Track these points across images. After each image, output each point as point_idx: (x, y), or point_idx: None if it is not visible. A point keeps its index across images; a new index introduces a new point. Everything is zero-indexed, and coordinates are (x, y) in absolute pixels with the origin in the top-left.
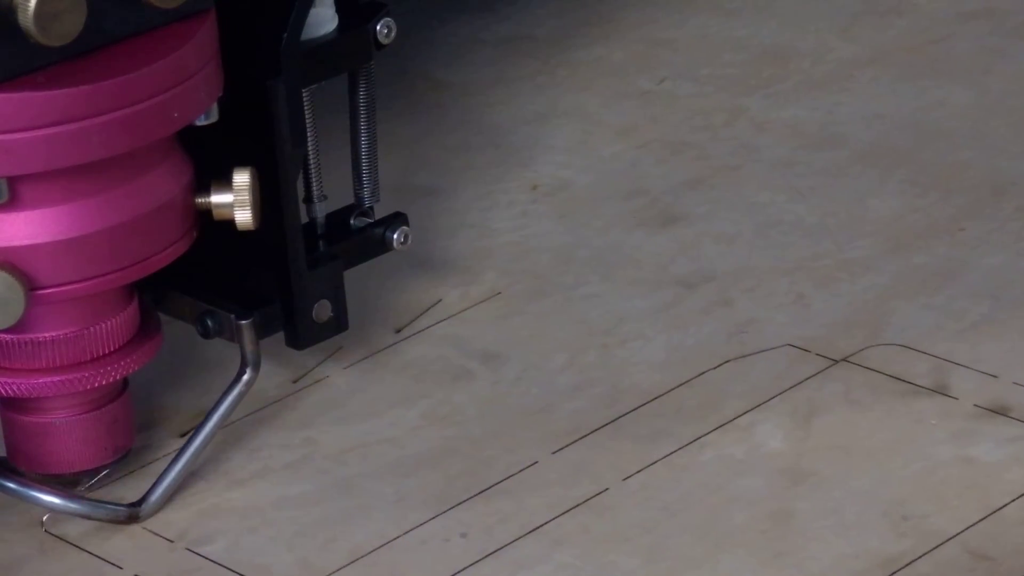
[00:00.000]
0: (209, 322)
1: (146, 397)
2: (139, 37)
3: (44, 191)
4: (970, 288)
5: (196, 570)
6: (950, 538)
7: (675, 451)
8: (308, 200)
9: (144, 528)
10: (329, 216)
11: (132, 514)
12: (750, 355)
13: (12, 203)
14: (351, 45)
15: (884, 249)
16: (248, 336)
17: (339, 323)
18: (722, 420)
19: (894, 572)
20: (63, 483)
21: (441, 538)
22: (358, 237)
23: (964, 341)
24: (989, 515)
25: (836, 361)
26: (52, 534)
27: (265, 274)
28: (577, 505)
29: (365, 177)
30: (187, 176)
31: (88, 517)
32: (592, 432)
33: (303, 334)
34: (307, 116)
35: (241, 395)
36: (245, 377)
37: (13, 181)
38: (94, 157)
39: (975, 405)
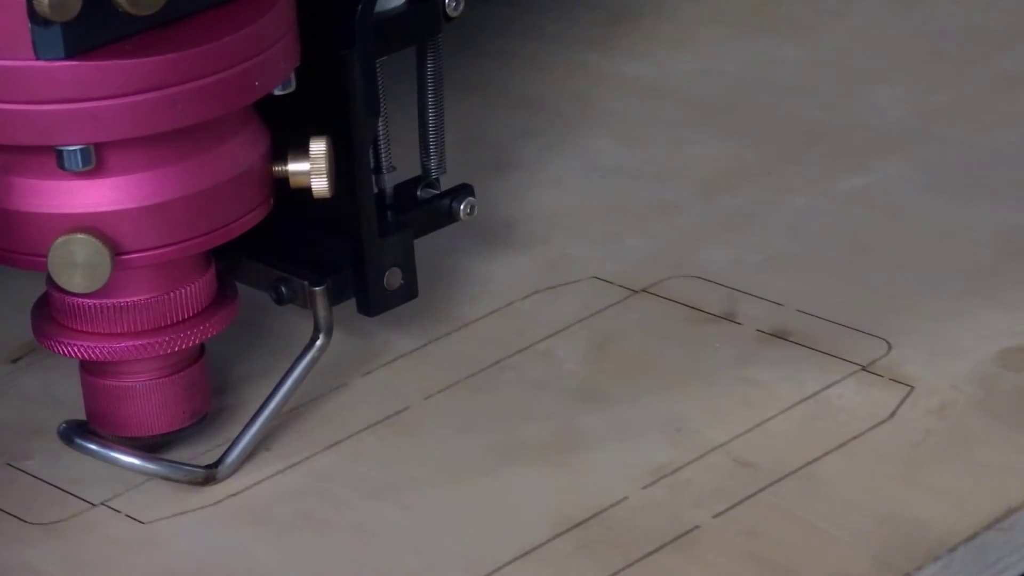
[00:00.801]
0: (283, 289)
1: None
2: (222, 7)
3: (129, 158)
4: (770, 227)
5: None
6: (717, 447)
7: (476, 373)
8: (377, 171)
9: None
10: (396, 187)
11: (209, 475)
12: (557, 287)
13: (98, 170)
14: (421, 17)
15: (696, 192)
16: (321, 303)
17: (409, 291)
18: (524, 345)
19: (662, 477)
20: (141, 445)
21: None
22: (425, 208)
23: (758, 274)
24: (755, 427)
25: (636, 291)
26: None
27: (337, 242)
28: (378, 422)
29: (432, 148)
30: (265, 145)
31: (167, 478)
32: (400, 357)
33: (375, 301)
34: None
35: (314, 360)
36: (318, 343)
37: (99, 148)
38: (178, 124)
39: (758, 330)
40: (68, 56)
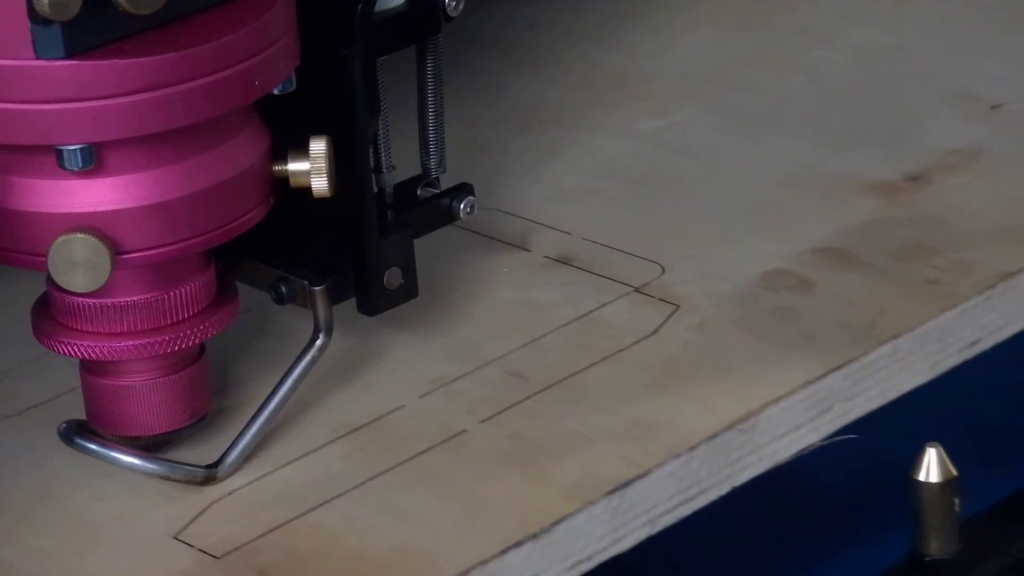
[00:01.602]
0: (283, 288)
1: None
2: (222, 7)
3: (129, 157)
4: (569, 164)
5: None
6: (493, 360)
7: None
8: (377, 170)
9: None
10: (397, 186)
11: (209, 475)
12: None
13: (98, 169)
14: (421, 17)
15: (511, 132)
16: (321, 302)
17: (409, 290)
18: None
19: (438, 387)
20: (141, 445)
21: None
22: (425, 207)
23: (552, 206)
24: (530, 343)
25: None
26: None
27: (337, 242)
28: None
29: (432, 148)
30: (265, 144)
31: (167, 478)
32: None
33: (375, 301)
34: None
35: (314, 360)
36: (318, 343)
37: (99, 147)
38: (178, 124)
39: (545, 257)
40: (68, 55)
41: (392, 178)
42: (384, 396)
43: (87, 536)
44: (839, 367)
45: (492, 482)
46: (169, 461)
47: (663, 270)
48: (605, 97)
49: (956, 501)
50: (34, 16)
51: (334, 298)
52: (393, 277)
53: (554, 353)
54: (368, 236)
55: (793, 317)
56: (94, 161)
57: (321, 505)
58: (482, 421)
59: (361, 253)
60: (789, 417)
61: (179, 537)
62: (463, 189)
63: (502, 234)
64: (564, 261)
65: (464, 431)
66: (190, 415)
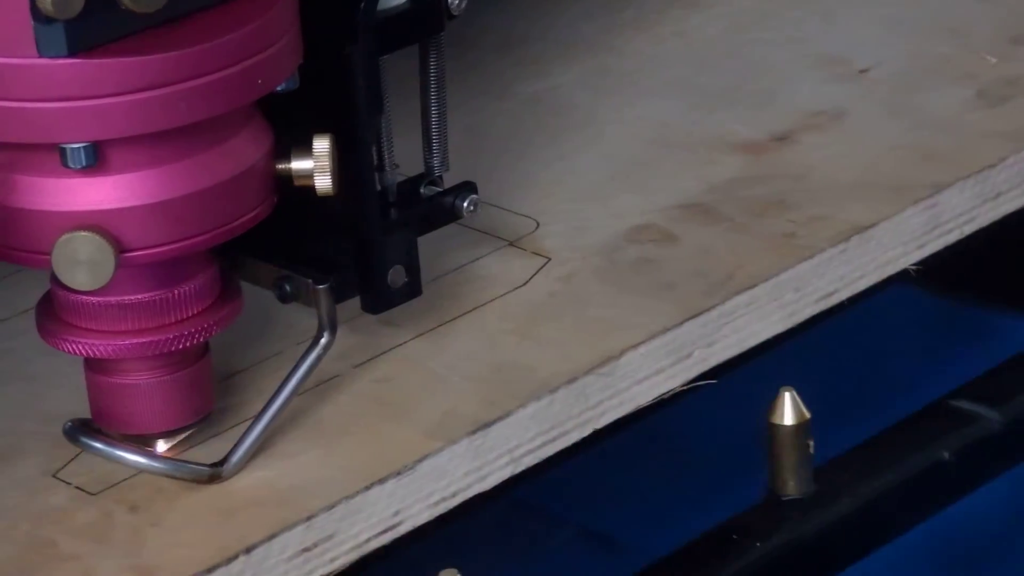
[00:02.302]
0: (287, 287)
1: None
2: (225, 5)
3: (132, 155)
4: (454, 125)
5: None
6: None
7: None
8: (380, 168)
9: None
10: (400, 185)
11: (214, 474)
12: None
13: (101, 167)
14: (424, 15)
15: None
16: (325, 301)
17: (413, 289)
18: None
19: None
20: (146, 443)
21: None
22: (428, 205)
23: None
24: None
25: None
26: None
27: (340, 240)
28: None
29: (435, 146)
30: (268, 142)
31: (172, 476)
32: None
33: (378, 299)
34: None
35: (318, 358)
36: (323, 341)
37: (102, 145)
38: (181, 122)
39: None
40: (71, 53)
41: (395, 176)
42: (262, 344)
43: None
44: (697, 315)
45: (361, 423)
46: (174, 459)
47: (538, 225)
48: (485, 59)
49: (810, 443)
50: (37, 14)
51: (338, 296)
52: (396, 275)
53: (426, 303)
54: (371, 234)
55: (655, 269)
56: (97, 159)
57: (194, 446)
58: (355, 367)
59: (364, 251)
60: (649, 363)
61: (57, 475)
62: (466, 187)
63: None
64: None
65: (337, 376)
66: (194, 413)
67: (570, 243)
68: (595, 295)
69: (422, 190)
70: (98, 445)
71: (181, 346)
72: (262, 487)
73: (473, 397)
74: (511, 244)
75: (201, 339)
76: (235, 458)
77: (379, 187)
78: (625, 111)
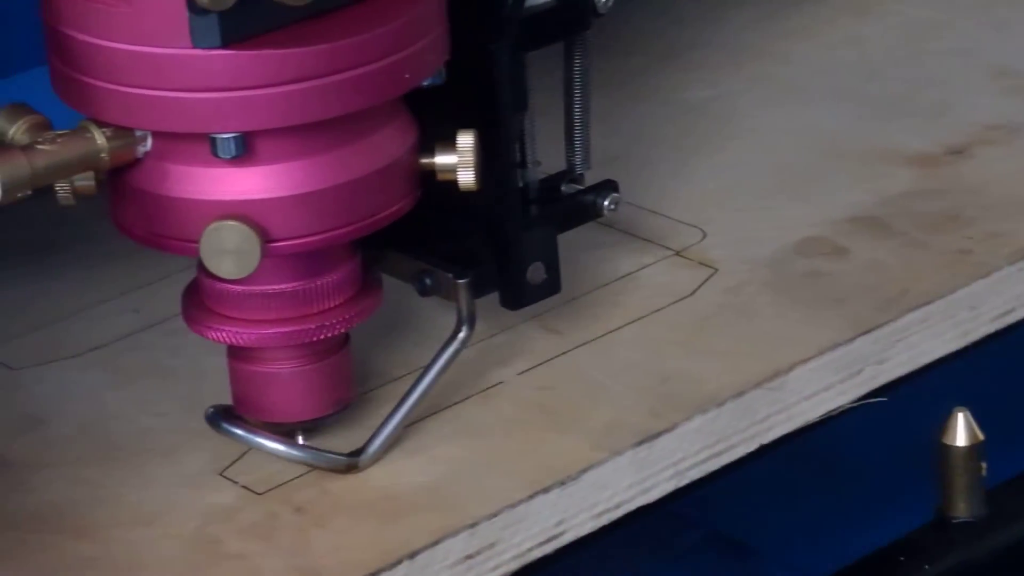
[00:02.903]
0: (427, 281)
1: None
2: None
3: (279, 147)
4: (618, 131)
5: None
6: (532, 317)
7: None
8: (522, 165)
9: None
10: (541, 182)
11: (351, 463)
12: None
13: (248, 158)
14: (570, 13)
15: (557, 99)
16: (465, 295)
17: (552, 286)
18: None
19: (478, 342)
20: (285, 431)
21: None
22: (569, 203)
23: (599, 171)
24: (569, 301)
25: None
26: None
27: (481, 236)
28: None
29: (577, 144)
30: (413, 137)
31: (310, 465)
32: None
33: (517, 295)
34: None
35: (456, 352)
36: (461, 335)
37: (250, 136)
38: (328, 115)
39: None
40: (224, 45)
41: (537, 173)
42: (425, 349)
43: (132, 468)
44: (869, 331)
45: (524, 431)
46: (312, 448)
47: (704, 235)
48: (652, 66)
49: (982, 465)
50: (192, 6)
51: (477, 291)
52: (536, 272)
53: (590, 311)
54: (511, 230)
55: (826, 282)
56: (246, 150)
57: (333, 436)
58: (519, 374)
59: (505, 247)
60: (818, 378)
61: (224, 474)
62: (607, 186)
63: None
64: (606, 224)
65: (501, 383)
66: (334, 403)
67: (737, 254)
68: (763, 308)
69: (563, 188)
70: (238, 432)
71: (322, 336)
72: (426, 493)
73: (638, 408)
74: (677, 254)
75: (342, 330)
76: (372, 449)
77: (520, 183)
78: (793, 120)
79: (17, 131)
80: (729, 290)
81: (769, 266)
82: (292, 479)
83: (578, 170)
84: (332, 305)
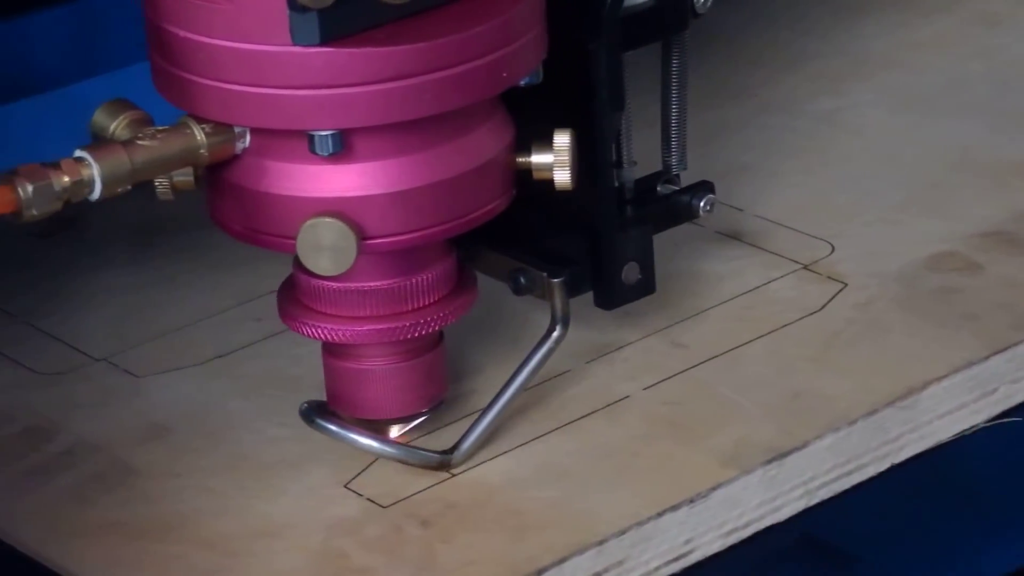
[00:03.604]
0: (521, 279)
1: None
2: None
3: (377, 144)
4: (743, 141)
5: None
6: (658, 331)
7: None
8: (618, 165)
9: None
10: (637, 182)
11: (444, 461)
12: None
13: (346, 155)
14: (669, 13)
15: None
16: (559, 295)
17: (647, 286)
18: None
19: (604, 355)
20: (378, 428)
21: None
22: (664, 203)
23: (725, 182)
24: (696, 314)
25: None
26: None
27: (576, 235)
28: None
29: (674, 145)
30: (509, 135)
31: (402, 461)
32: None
33: (612, 295)
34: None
35: (550, 352)
36: (555, 335)
37: (348, 134)
38: (426, 113)
39: (716, 231)
40: (323, 42)
41: (632, 173)
42: (551, 360)
43: (257, 479)
44: (1004, 349)
45: (651, 447)
46: (406, 445)
47: (832, 248)
48: (779, 77)
49: None
50: (293, 3)
51: (571, 291)
52: (631, 272)
53: (718, 325)
54: (607, 230)
55: (959, 299)
56: (343, 147)
57: (484, 462)
58: (645, 388)
59: (599, 247)
60: (951, 397)
61: (348, 486)
62: (703, 187)
63: (702, 218)
64: (733, 236)
65: (627, 397)
66: (427, 401)
67: (867, 268)
68: (895, 324)
69: (658, 188)
70: (332, 427)
71: (417, 333)
72: (553, 509)
73: (768, 425)
74: (806, 267)
75: (436, 327)
76: (464, 447)
77: (616, 183)
78: (923, 132)
79: (118, 126)
80: (859, 305)
81: (899, 281)
82: (416, 493)
83: (674, 170)
84: (427, 303)
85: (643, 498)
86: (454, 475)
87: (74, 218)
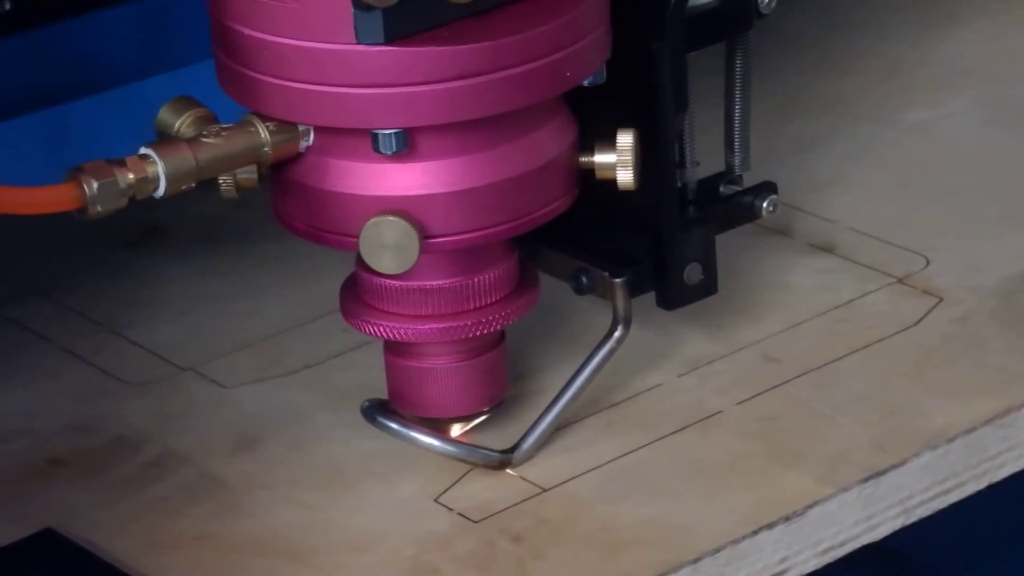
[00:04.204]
0: (583, 279)
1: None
2: None
3: (440, 143)
4: (835, 151)
5: None
6: (749, 344)
7: None
8: (680, 165)
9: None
10: (699, 182)
11: (505, 460)
12: None
13: (409, 154)
14: (733, 13)
15: (776, 118)
16: (621, 294)
17: (709, 286)
18: None
19: (695, 368)
20: (439, 427)
21: None
22: (727, 204)
23: (815, 193)
24: (788, 328)
25: None
26: None
27: (638, 235)
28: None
29: (737, 145)
30: (572, 135)
31: (463, 460)
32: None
33: (674, 295)
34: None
35: (611, 352)
36: (616, 335)
37: (411, 132)
38: (490, 112)
39: (808, 243)
40: (387, 41)
41: (695, 174)
42: (641, 374)
43: (346, 492)
44: None
45: (744, 463)
46: (467, 444)
47: (927, 262)
48: (872, 86)
49: None
50: (357, 2)
51: (633, 291)
52: (693, 272)
53: (811, 339)
54: (669, 230)
55: None
56: (407, 146)
57: (575, 477)
58: (738, 403)
59: (662, 247)
60: None
61: (439, 500)
62: (766, 187)
63: (764, 219)
64: (826, 248)
65: (719, 412)
66: (488, 400)
67: (963, 283)
68: (992, 340)
69: (721, 188)
70: (393, 426)
71: (479, 332)
72: (646, 525)
73: (864, 442)
74: (900, 281)
75: (498, 326)
76: (525, 446)
77: (679, 183)
78: (1018, 143)
79: (183, 124)
80: (955, 320)
81: (996, 296)
82: (508, 507)
83: (737, 171)
84: (488, 302)
85: (738, 515)
86: (544, 490)
87: (160, 227)
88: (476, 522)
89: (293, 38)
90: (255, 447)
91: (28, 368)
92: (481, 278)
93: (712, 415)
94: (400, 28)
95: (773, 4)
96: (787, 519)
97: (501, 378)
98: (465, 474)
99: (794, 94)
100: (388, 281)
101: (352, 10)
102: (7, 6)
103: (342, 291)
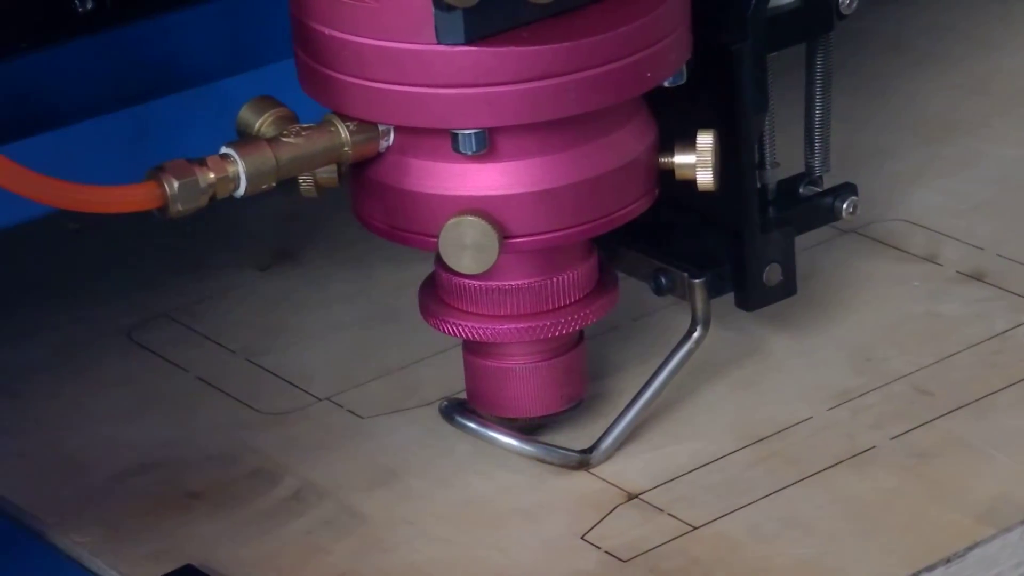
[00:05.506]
0: (662, 279)
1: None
2: None
3: (520, 143)
4: (980, 176)
5: None
6: (901, 377)
7: None
8: (760, 166)
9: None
10: (779, 183)
11: (583, 460)
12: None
13: (490, 154)
14: (814, 14)
15: (912, 139)
16: (700, 295)
17: (788, 288)
18: None
19: (846, 401)
20: (518, 427)
21: None
22: (807, 205)
23: (963, 218)
24: (941, 360)
25: (844, 232)
26: None
27: (718, 236)
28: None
29: (818, 146)
30: (652, 135)
31: (542, 460)
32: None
33: (753, 296)
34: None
35: (690, 352)
36: (695, 335)
37: (491, 132)
38: (570, 112)
39: (957, 271)
40: (468, 41)
41: (775, 175)
42: (790, 407)
43: (490, 528)
44: None
45: (901, 501)
46: (546, 444)
47: None
48: (1007, 105)
49: None
50: (438, 3)
51: (712, 291)
52: (772, 273)
53: (965, 372)
54: (749, 231)
55: None
56: (487, 146)
57: (726, 515)
58: (892, 438)
59: (741, 248)
60: None
61: (586, 538)
62: (846, 189)
63: (910, 245)
64: (976, 277)
65: (873, 447)
66: (567, 400)
67: None
68: None
69: (801, 190)
70: (471, 425)
71: (558, 332)
72: (802, 567)
73: None
74: None
75: (578, 327)
76: (604, 446)
77: (759, 184)
78: None
79: (263, 123)
80: None
81: None
82: (658, 546)
83: (817, 172)
84: (568, 302)
85: (896, 556)
86: (694, 528)
87: (290, 251)
88: (625, 561)
89: (373, 38)
90: (394, 480)
91: (162, 396)
92: (560, 278)
93: (865, 450)
94: (481, 28)
95: (855, 5)
96: (948, 561)
97: (580, 378)
98: (612, 510)
99: (923, 113)
100: (468, 281)
101: (433, 10)
102: (89, 5)
103: (421, 291)
